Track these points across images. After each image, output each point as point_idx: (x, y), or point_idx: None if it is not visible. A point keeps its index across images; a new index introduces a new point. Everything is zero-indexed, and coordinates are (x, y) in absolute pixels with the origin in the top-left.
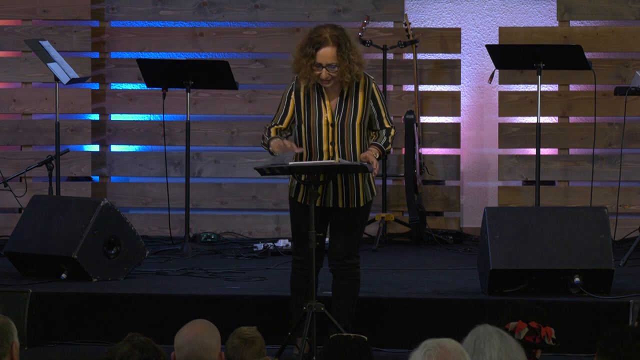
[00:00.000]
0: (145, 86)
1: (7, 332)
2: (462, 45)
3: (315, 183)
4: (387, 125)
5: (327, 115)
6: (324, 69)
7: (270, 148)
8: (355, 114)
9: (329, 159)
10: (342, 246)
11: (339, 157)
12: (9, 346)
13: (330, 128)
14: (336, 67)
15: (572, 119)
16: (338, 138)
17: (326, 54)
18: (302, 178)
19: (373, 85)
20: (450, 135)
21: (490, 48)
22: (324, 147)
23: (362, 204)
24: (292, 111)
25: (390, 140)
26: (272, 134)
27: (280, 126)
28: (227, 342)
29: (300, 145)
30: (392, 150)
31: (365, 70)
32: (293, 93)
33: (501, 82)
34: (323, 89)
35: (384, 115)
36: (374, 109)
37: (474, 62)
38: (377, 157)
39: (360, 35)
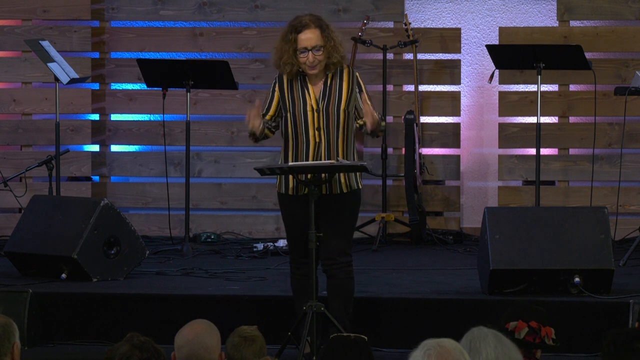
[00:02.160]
0: (145, 86)
1: (8, 332)
2: (462, 45)
3: (315, 182)
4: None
5: (311, 102)
6: (309, 53)
7: (249, 129)
8: (340, 99)
9: (315, 145)
10: (333, 244)
11: (325, 142)
12: (10, 346)
13: (315, 114)
14: (322, 49)
15: (572, 119)
16: (323, 123)
17: (310, 36)
18: (302, 178)
19: (357, 74)
20: (450, 135)
21: (490, 48)
22: (310, 133)
23: (345, 190)
24: (277, 103)
25: (381, 120)
26: None
27: (265, 118)
28: (227, 341)
29: (287, 135)
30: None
31: (363, 69)
32: (277, 86)
33: (501, 82)
34: (306, 78)
35: (370, 104)
36: (358, 95)
37: (474, 62)
38: (376, 119)
39: (360, 35)
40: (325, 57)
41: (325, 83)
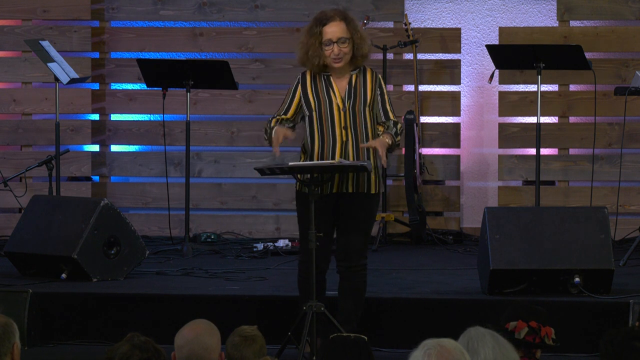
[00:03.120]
0: (145, 86)
1: (9, 332)
2: (462, 45)
3: (315, 182)
4: (393, 118)
5: (337, 101)
6: (334, 45)
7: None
8: (365, 99)
9: (342, 144)
10: (352, 246)
11: (352, 141)
12: (11, 346)
13: (342, 113)
14: (347, 42)
15: (572, 119)
16: (350, 122)
17: (335, 28)
18: (302, 178)
19: (380, 77)
20: (450, 135)
21: (490, 48)
22: (337, 132)
23: (372, 191)
24: (298, 102)
25: (399, 132)
26: (273, 123)
27: (283, 116)
28: (227, 341)
29: (312, 134)
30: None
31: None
32: (300, 86)
33: (501, 82)
34: (330, 77)
35: (388, 107)
36: (379, 97)
37: (474, 62)
38: (389, 144)
39: None
40: (350, 49)
41: (350, 83)
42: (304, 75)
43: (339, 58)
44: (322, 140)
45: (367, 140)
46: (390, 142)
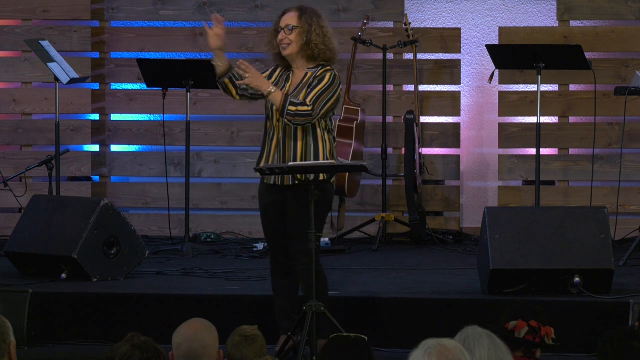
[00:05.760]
0: (145, 86)
1: (3, 333)
2: (462, 45)
3: (316, 182)
4: (308, 102)
5: None
6: (282, 31)
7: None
8: (301, 91)
9: (279, 141)
10: (295, 245)
11: (288, 138)
12: (7, 347)
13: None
14: (294, 30)
15: (572, 119)
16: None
17: (287, 17)
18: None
19: (329, 74)
20: (450, 135)
21: (490, 48)
22: (274, 120)
23: (311, 178)
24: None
25: (298, 106)
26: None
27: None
28: (228, 340)
29: (265, 123)
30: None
31: (363, 69)
32: (270, 70)
33: (501, 82)
34: (290, 74)
35: (313, 93)
36: (314, 83)
37: (474, 62)
38: (270, 91)
39: (360, 35)
40: (297, 38)
41: (302, 79)
42: (275, 67)
43: (284, 44)
44: (266, 130)
45: (297, 137)
46: (272, 91)
